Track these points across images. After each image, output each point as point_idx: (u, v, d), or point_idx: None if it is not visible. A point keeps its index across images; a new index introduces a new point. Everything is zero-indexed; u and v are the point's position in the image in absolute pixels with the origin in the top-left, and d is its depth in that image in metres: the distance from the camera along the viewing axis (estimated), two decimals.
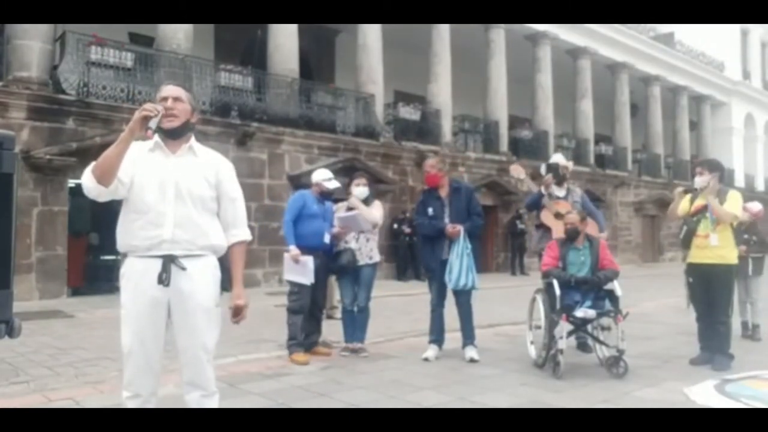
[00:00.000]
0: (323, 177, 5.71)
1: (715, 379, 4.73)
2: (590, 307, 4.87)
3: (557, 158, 6.77)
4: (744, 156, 29.93)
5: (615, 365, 4.86)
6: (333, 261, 5.61)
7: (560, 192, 6.30)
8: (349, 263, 5.54)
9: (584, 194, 6.54)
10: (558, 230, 5.80)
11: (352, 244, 5.62)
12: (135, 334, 2.53)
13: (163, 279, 2.48)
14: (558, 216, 6.07)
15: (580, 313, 4.84)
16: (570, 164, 6.74)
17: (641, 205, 22.62)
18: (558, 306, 4.88)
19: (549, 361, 4.97)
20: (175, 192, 2.53)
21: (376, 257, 5.72)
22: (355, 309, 5.67)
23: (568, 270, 5.08)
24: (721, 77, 28.26)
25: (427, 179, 5.62)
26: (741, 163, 29.47)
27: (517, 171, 6.93)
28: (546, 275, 5.15)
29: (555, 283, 4.95)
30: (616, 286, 4.98)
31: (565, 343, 4.84)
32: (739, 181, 28.21)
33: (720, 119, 29.04)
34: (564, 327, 4.81)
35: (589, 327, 5.14)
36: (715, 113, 28.60)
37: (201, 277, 2.56)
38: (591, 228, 5.60)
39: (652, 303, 9.62)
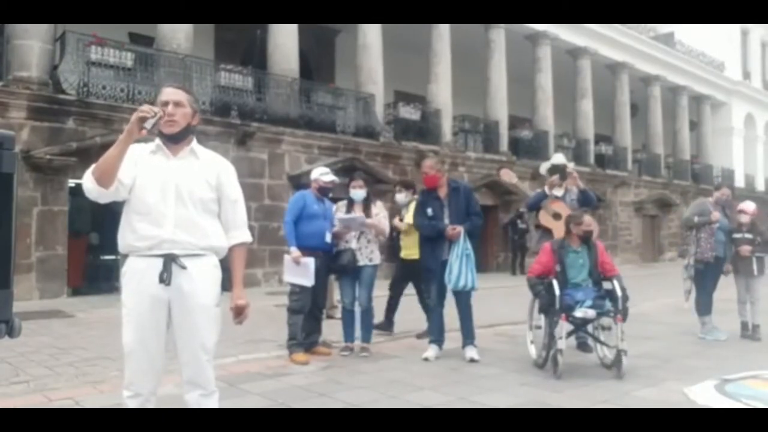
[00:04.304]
0: (320, 173, 5.73)
1: (715, 379, 4.73)
2: (590, 307, 4.87)
3: (558, 158, 6.77)
4: (744, 156, 29.92)
5: (615, 365, 4.86)
6: (333, 261, 5.61)
7: (559, 191, 6.30)
8: (349, 263, 5.54)
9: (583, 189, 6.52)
10: (558, 231, 5.80)
11: (353, 244, 5.61)
12: (136, 333, 2.53)
13: (164, 278, 2.49)
14: (556, 216, 6.06)
15: (580, 313, 4.84)
16: (571, 165, 6.74)
17: (641, 205, 22.61)
18: (558, 306, 4.88)
19: (549, 361, 4.97)
20: (175, 194, 2.54)
21: (376, 260, 5.70)
22: (356, 309, 5.67)
23: (567, 273, 5.07)
24: (721, 77, 28.24)
25: (425, 180, 5.58)
26: (741, 163, 29.46)
27: (509, 176, 6.93)
28: (534, 289, 5.15)
29: (555, 283, 4.95)
30: (615, 285, 4.97)
31: (565, 343, 4.84)
32: (739, 181, 28.22)
33: (720, 119, 29.02)
34: (564, 327, 4.81)
35: (590, 327, 5.14)
36: (715, 113, 28.57)
37: (201, 277, 2.56)
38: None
39: (652, 303, 9.63)
